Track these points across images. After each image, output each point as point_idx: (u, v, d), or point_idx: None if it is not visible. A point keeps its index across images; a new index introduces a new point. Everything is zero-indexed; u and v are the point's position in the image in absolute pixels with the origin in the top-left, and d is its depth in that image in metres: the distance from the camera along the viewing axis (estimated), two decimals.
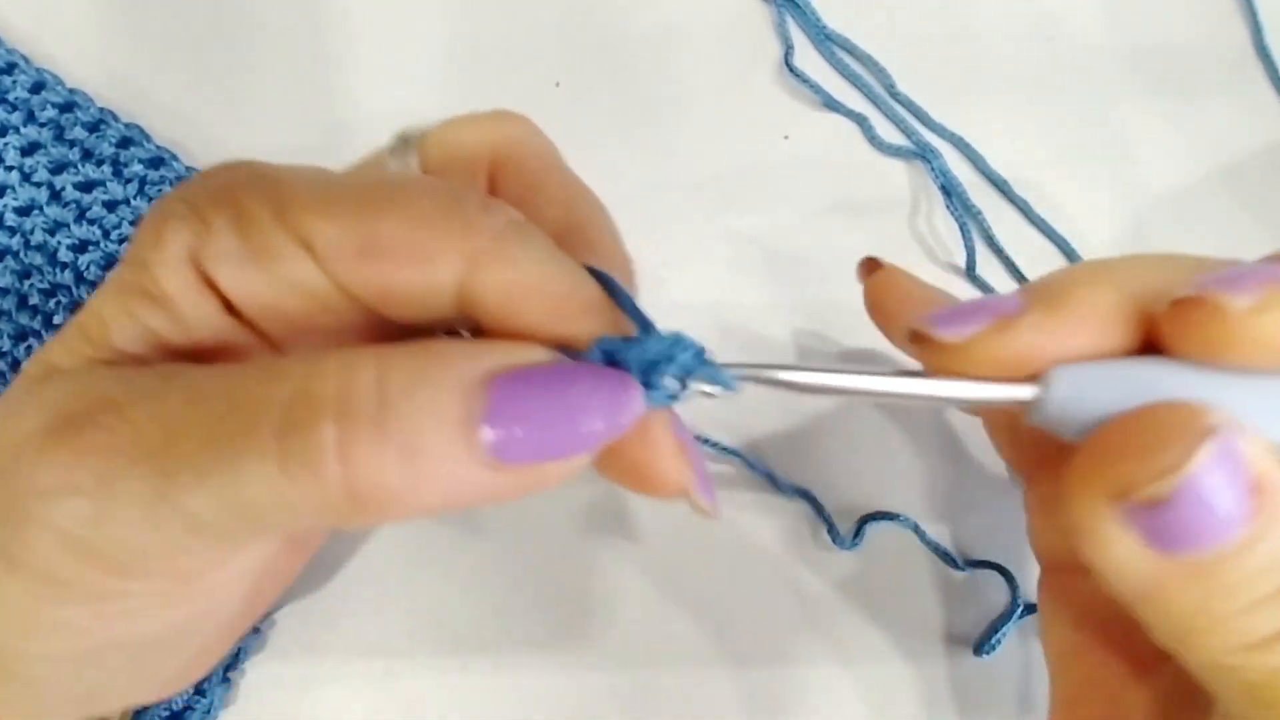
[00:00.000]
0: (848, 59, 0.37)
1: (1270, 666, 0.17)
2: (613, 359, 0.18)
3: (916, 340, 0.21)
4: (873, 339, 0.34)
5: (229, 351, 0.20)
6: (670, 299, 0.33)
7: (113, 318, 0.19)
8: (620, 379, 0.18)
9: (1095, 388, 0.18)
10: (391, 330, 0.21)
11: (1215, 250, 0.36)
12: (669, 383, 0.18)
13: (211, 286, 0.19)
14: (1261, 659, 0.17)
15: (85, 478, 0.17)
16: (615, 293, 0.19)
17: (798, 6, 0.37)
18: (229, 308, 0.19)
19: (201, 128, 0.34)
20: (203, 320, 0.19)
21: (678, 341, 0.19)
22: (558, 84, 0.35)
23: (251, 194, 0.19)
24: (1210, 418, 0.17)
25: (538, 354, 0.18)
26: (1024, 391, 0.19)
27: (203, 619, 0.21)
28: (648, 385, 0.18)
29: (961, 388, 0.19)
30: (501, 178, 0.22)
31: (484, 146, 0.22)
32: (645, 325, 0.19)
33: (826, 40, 0.37)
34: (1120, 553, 0.17)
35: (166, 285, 0.19)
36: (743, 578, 0.30)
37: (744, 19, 0.37)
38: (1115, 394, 0.18)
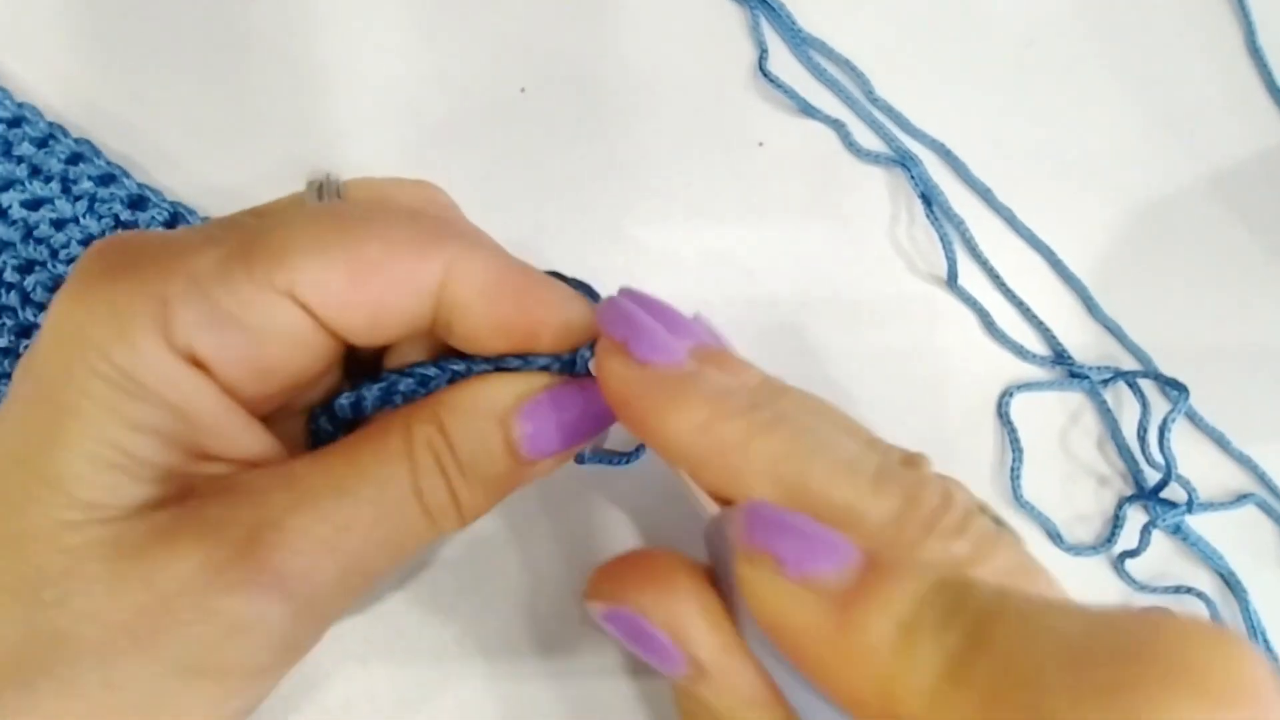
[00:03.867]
0: (825, 63, 0.36)
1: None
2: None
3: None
4: (846, 351, 0.33)
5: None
6: None
7: (125, 439, 0.19)
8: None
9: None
10: (354, 359, 0.24)
11: (1206, 259, 0.35)
12: None
13: (192, 359, 0.19)
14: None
15: (292, 587, 0.20)
16: (579, 285, 0.23)
17: (772, 9, 0.35)
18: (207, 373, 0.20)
19: (173, 155, 0.33)
20: (201, 400, 0.20)
21: None
22: (523, 90, 0.34)
23: (199, 257, 0.19)
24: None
25: (543, 380, 0.22)
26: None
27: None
28: None
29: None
30: None
31: (415, 203, 0.24)
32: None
33: (802, 44, 0.35)
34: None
35: (155, 380, 0.19)
36: None
37: (716, 21, 0.36)
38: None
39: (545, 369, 0.22)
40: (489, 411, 0.21)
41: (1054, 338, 0.33)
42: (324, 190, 0.22)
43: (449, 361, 0.22)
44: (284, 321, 0.20)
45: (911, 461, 0.21)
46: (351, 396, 0.22)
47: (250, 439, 0.21)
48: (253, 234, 0.20)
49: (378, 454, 0.21)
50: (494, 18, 0.35)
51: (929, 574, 0.17)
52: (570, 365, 0.22)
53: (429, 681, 0.28)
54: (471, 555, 0.29)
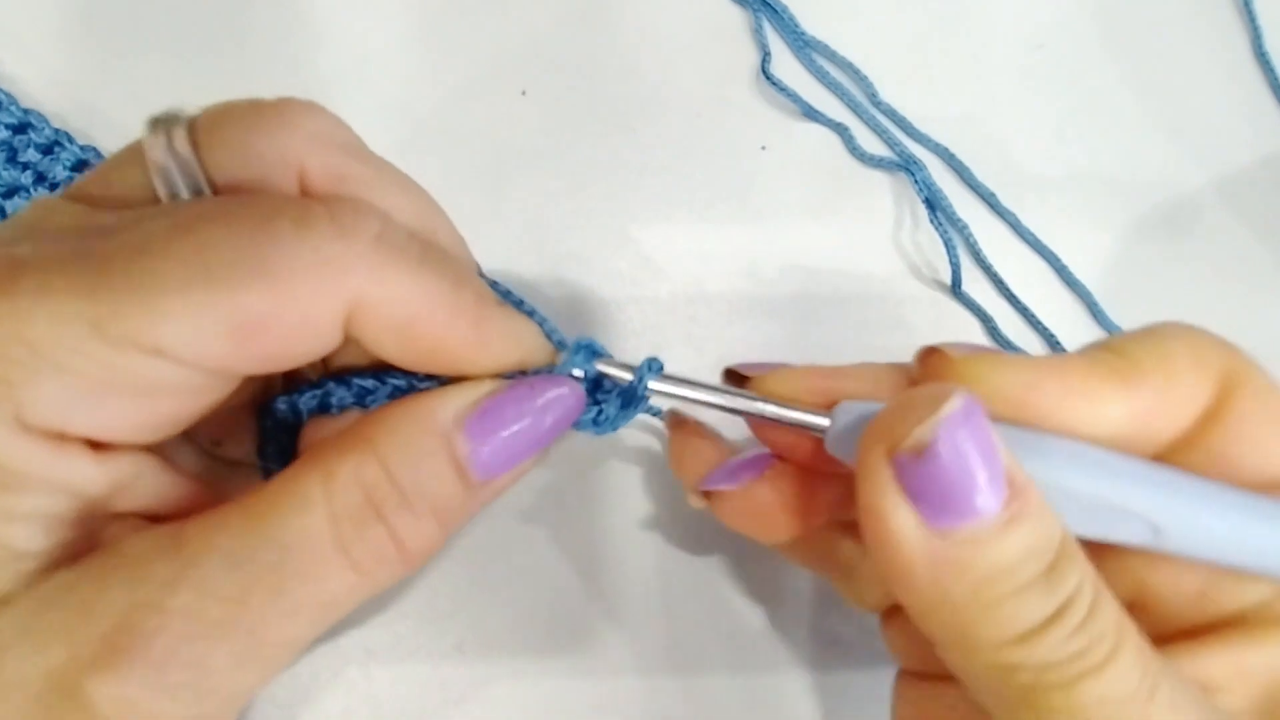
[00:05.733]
0: (828, 66, 0.35)
1: (1039, 661, 0.18)
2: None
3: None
4: (849, 356, 0.32)
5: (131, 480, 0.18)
6: (642, 313, 0.32)
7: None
8: (562, 381, 0.20)
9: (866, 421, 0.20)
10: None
11: (1211, 265, 0.35)
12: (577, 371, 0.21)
13: (61, 435, 0.17)
14: (1031, 654, 0.18)
15: (178, 677, 0.17)
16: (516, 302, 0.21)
17: (775, 11, 0.35)
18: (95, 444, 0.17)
19: None
20: (83, 473, 0.17)
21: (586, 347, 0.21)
22: (524, 92, 0.34)
23: (36, 320, 0.16)
24: (959, 391, 0.18)
25: (487, 386, 0.19)
26: (818, 419, 0.21)
27: None
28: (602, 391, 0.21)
29: (772, 408, 0.22)
30: (313, 189, 0.19)
31: (289, 154, 0.19)
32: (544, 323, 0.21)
33: (806, 47, 0.35)
34: (900, 528, 0.18)
35: (18, 464, 0.16)
36: (747, 583, 0.30)
37: (719, 25, 0.35)
38: None
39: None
40: (431, 430, 0.18)
41: (1059, 344, 0.33)
42: (172, 138, 0.18)
43: (389, 375, 0.19)
44: (160, 377, 0.17)
45: None
46: (287, 401, 0.20)
47: (161, 487, 0.19)
48: (99, 274, 0.16)
49: (285, 505, 0.17)
50: (495, 20, 0.35)
51: None
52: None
53: (430, 688, 0.28)
54: (471, 561, 0.29)
